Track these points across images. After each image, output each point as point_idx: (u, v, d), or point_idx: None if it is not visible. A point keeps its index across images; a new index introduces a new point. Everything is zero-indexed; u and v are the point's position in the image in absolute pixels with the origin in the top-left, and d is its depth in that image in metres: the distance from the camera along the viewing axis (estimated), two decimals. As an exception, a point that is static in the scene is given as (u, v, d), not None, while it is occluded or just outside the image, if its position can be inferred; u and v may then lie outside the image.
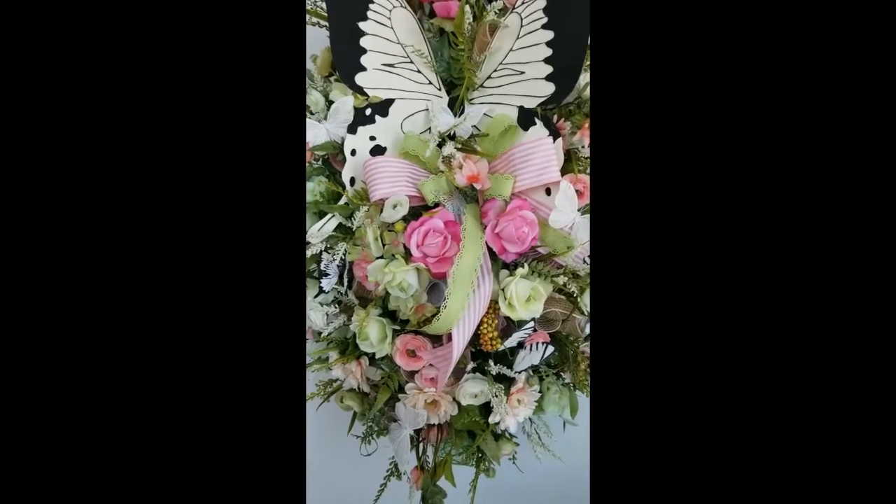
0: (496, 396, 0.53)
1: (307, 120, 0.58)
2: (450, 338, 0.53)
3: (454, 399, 0.55)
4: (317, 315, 0.57)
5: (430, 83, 0.61)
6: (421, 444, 0.60)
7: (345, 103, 0.57)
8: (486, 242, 0.53)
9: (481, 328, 0.52)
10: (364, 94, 0.59)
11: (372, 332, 0.54)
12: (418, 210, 0.56)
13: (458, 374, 0.54)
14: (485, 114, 0.59)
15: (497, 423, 0.55)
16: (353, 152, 0.58)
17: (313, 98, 0.59)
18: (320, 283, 0.56)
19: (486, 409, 0.56)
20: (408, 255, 0.53)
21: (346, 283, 0.57)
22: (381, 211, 0.55)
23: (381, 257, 0.54)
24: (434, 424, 0.57)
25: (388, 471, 0.60)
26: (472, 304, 0.50)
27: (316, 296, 0.57)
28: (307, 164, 0.62)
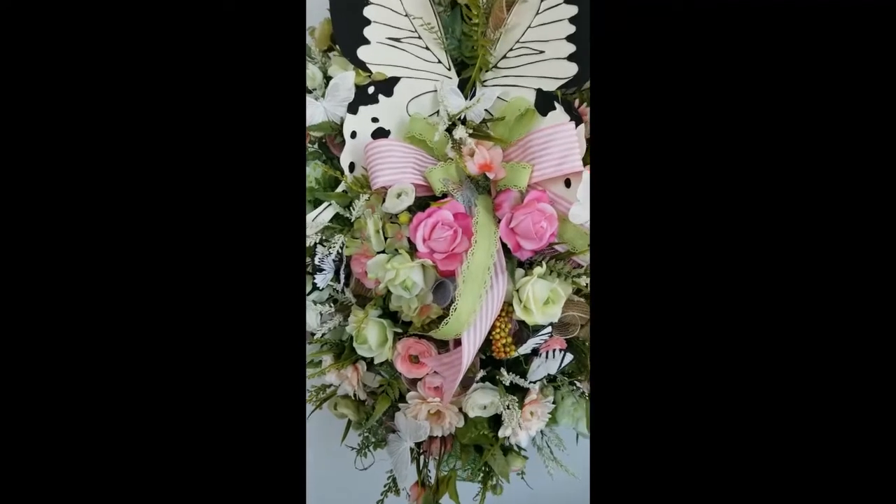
0: (509, 409, 0.48)
1: (302, 97, 0.53)
2: (458, 343, 0.48)
3: (460, 410, 0.50)
4: (310, 314, 0.51)
5: (439, 62, 0.55)
6: (421, 458, 0.55)
7: (345, 79, 0.52)
8: (500, 238, 0.48)
9: (493, 333, 0.47)
10: (367, 70, 0.53)
11: (371, 334, 0.49)
12: (424, 201, 0.50)
13: (465, 383, 0.49)
14: (498, 97, 0.53)
15: (507, 437, 0.50)
16: (354, 134, 0.53)
17: (310, 72, 0.53)
18: (314, 279, 0.51)
19: (495, 421, 0.51)
20: (413, 250, 0.47)
21: (342, 280, 0.51)
22: (384, 200, 0.50)
23: (383, 252, 0.49)
24: (437, 437, 0.52)
25: (385, 486, 0.55)
26: (484, 306, 0.45)
27: (309, 293, 0.52)
28: (301, 148, 0.56)
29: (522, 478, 0.57)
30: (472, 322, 0.45)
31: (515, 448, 0.54)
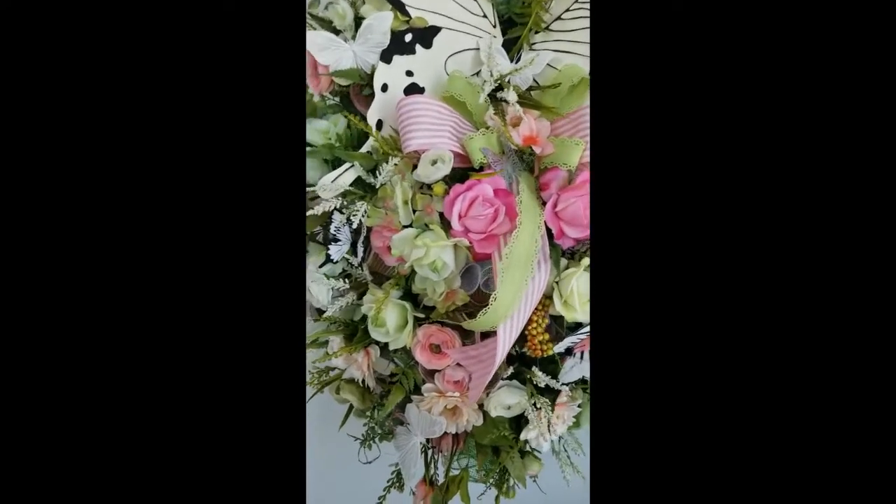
0: (539, 409, 0.44)
1: (327, 38, 0.45)
2: (485, 336, 0.43)
3: (480, 408, 0.46)
4: (320, 289, 0.45)
5: (485, 16, 0.48)
6: (429, 453, 0.50)
7: (381, 21, 0.45)
8: (545, 222, 0.42)
9: (529, 328, 0.43)
10: (405, 13, 0.46)
11: (389, 317, 0.43)
12: (458, 173, 0.44)
13: (491, 380, 0.45)
14: (548, 64, 0.47)
15: (528, 441, 0.46)
16: (385, 87, 0.46)
17: (339, 10, 0.46)
18: (328, 249, 0.45)
19: (516, 422, 0.47)
20: (446, 227, 0.42)
21: (359, 254, 0.45)
22: (415, 167, 0.43)
23: (410, 226, 0.43)
24: (449, 433, 0.48)
25: (388, 481, 0.51)
26: (524, 297, 0.40)
27: (321, 265, 0.46)
28: (321, 97, 0.49)
29: (535, 481, 0.53)
30: (512, 314, 0.40)
31: (533, 452, 0.50)
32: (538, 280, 0.41)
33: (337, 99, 0.49)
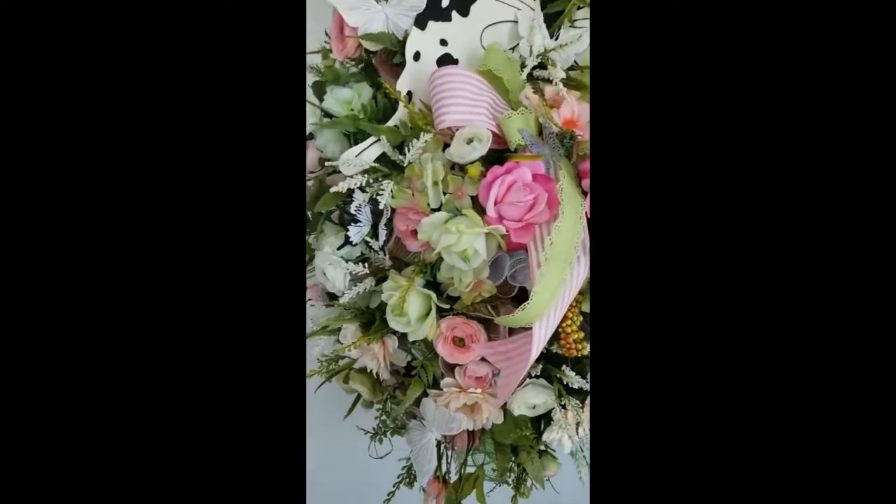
0: (570, 410, 0.42)
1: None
2: (513, 331, 0.41)
3: (502, 405, 0.44)
4: (336, 273, 0.42)
5: (525, -14, 0.45)
6: (440, 449, 0.48)
7: (418, -19, 0.40)
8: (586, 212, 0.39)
9: (564, 325, 0.40)
10: (444, -26, 0.42)
11: (412, 306, 0.40)
12: (491, 155, 0.41)
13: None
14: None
15: (551, 441, 0.44)
16: (417, 56, 0.42)
17: (372, -35, 0.41)
18: (347, 231, 0.41)
19: (536, 421, 0.45)
20: (482, 213, 0.38)
21: (382, 237, 0.42)
22: (446, 145, 0.40)
23: (438, 209, 0.40)
24: (464, 429, 0.45)
25: (399, 477, 0.48)
26: (562, 292, 0.37)
27: (339, 247, 0.42)
28: (340, 64, 0.45)
29: (549, 481, 0.52)
30: (550, 311, 0.37)
31: (550, 451, 0.48)
32: (576, 275, 0.38)
33: (360, 67, 0.45)
